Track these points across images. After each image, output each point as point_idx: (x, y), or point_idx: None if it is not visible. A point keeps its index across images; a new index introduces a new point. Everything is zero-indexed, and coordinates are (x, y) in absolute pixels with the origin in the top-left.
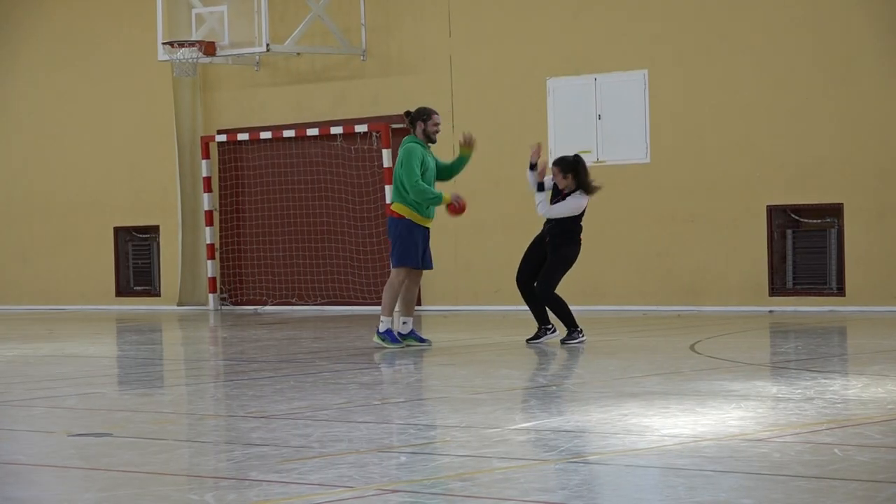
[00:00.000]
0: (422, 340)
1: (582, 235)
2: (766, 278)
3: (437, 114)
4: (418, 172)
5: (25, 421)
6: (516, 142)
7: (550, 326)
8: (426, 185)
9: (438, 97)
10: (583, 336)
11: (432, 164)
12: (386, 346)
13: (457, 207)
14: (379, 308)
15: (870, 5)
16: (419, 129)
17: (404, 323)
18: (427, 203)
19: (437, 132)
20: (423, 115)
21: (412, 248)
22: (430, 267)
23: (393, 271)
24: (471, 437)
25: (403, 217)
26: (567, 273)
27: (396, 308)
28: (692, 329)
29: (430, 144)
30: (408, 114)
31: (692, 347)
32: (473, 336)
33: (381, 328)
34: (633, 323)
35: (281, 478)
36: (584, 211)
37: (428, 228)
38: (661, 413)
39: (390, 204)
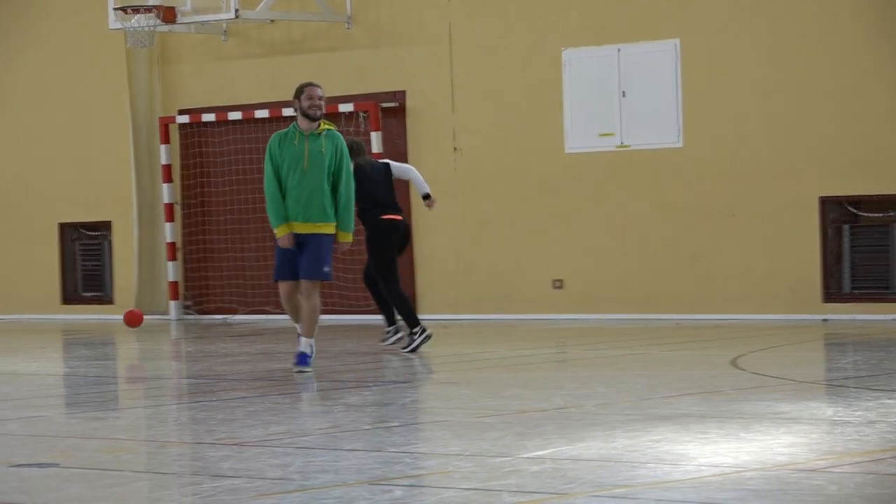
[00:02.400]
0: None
1: (380, 213)
2: (818, 282)
3: (313, 86)
4: (269, 168)
5: None
6: (526, 124)
7: (390, 329)
8: (274, 189)
9: (436, 71)
10: (426, 332)
11: (302, 156)
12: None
13: None
14: (366, 317)
15: None
16: (299, 110)
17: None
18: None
19: (311, 107)
20: (297, 93)
21: (277, 260)
22: (307, 277)
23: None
24: (476, 468)
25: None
26: (390, 259)
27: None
28: (733, 341)
29: (329, 131)
30: None
31: (734, 362)
32: (478, 350)
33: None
34: (664, 334)
35: None
36: (365, 179)
37: (299, 234)
38: (699, 439)
39: None
